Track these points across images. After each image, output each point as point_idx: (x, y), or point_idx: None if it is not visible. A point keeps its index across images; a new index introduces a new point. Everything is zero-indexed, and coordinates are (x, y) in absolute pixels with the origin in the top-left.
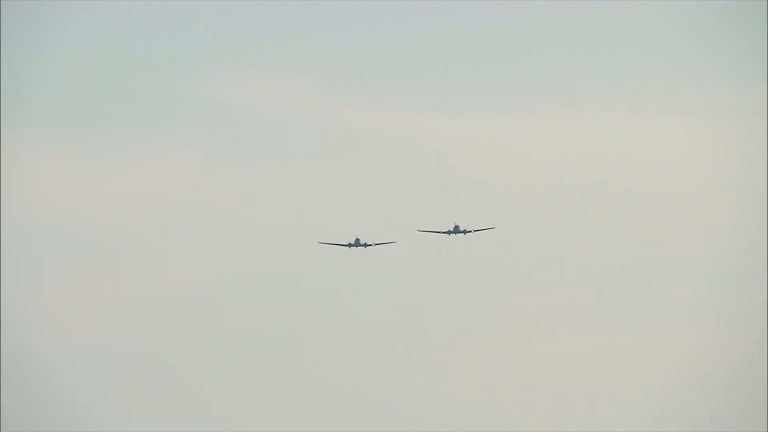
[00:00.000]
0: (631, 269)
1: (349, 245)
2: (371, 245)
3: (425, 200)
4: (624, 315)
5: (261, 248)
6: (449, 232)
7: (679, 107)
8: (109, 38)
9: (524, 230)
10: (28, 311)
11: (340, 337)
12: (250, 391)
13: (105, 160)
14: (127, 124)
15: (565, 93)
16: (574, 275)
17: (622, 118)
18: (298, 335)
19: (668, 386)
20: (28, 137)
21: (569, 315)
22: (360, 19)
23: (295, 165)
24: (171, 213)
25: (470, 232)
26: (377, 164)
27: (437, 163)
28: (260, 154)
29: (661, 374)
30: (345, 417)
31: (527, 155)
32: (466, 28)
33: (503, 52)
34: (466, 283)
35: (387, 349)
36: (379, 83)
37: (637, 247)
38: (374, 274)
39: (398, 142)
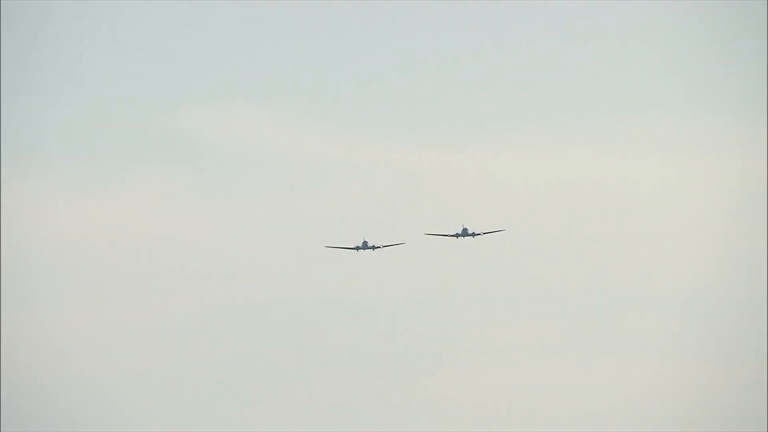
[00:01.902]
0: (625, 302)
1: (357, 248)
2: (379, 247)
3: (428, 207)
4: (614, 345)
5: (266, 261)
6: (457, 235)
7: (671, 142)
8: (85, 72)
9: (520, 254)
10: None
11: (348, 341)
12: (258, 399)
13: (80, 192)
14: (104, 157)
15: (554, 127)
16: (564, 306)
17: (612, 152)
18: (304, 342)
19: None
20: (8, 169)
21: (555, 344)
22: (337, 51)
23: (278, 193)
24: (164, 241)
25: (479, 234)
26: (359, 195)
27: (417, 194)
28: (241, 183)
29: (655, 406)
30: (350, 420)
31: (515, 189)
32: (445, 57)
33: (490, 84)
34: (472, 286)
35: (393, 354)
36: (357, 116)
37: (628, 280)
38: (382, 278)
39: (380, 174)
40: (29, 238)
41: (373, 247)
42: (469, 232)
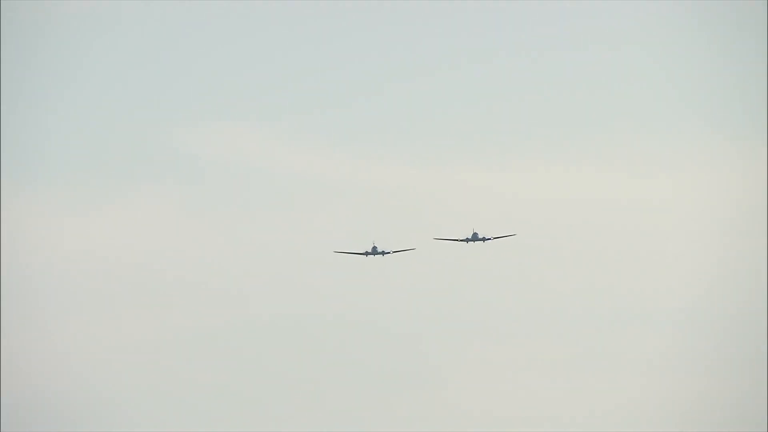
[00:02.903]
0: (627, 313)
1: (366, 254)
2: (389, 253)
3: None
4: (616, 363)
5: (269, 272)
6: (467, 240)
7: (672, 160)
8: (87, 89)
9: (521, 269)
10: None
11: (357, 349)
12: (263, 404)
13: (82, 210)
14: (103, 175)
15: (553, 143)
16: (566, 324)
17: (612, 167)
18: (312, 350)
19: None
20: (7, 186)
21: (556, 363)
22: (336, 70)
23: (278, 209)
24: (164, 256)
25: (489, 239)
26: (356, 214)
27: (418, 209)
28: (241, 200)
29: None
30: (357, 425)
31: (517, 204)
32: (442, 71)
33: (488, 98)
34: (483, 291)
35: (404, 361)
36: (357, 132)
37: (629, 293)
38: (389, 284)
39: (380, 194)
40: (28, 254)
41: (383, 253)
42: (480, 236)
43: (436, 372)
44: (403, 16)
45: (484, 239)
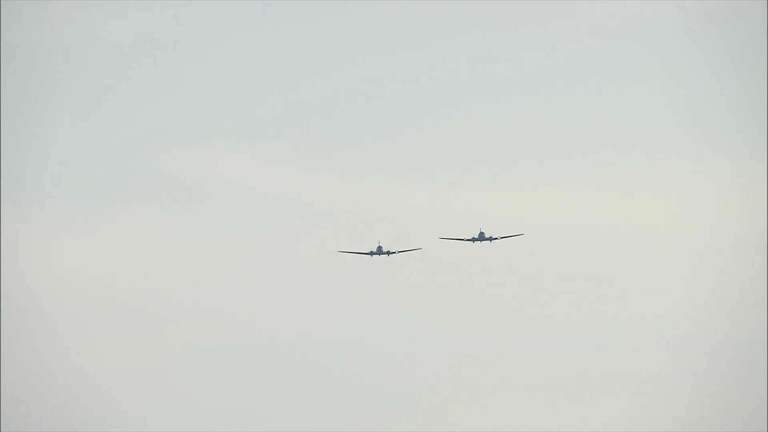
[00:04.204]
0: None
1: (371, 253)
2: (394, 253)
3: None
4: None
5: (260, 290)
6: (474, 240)
7: (671, 179)
8: (74, 113)
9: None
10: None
11: (364, 348)
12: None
13: (69, 234)
14: (92, 199)
15: (550, 166)
16: (561, 344)
17: (608, 189)
18: (317, 350)
19: None
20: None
21: (548, 387)
22: (319, 90)
23: (265, 230)
24: (155, 278)
25: (496, 239)
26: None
27: (406, 234)
28: (232, 222)
29: None
30: (362, 425)
31: (513, 226)
32: (437, 95)
33: (484, 121)
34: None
35: (409, 362)
36: (346, 152)
37: (625, 317)
38: (393, 285)
39: (363, 211)
40: (21, 275)
41: (388, 253)
42: (486, 236)
43: (439, 376)
44: (401, 21)
45: (490, 239)
